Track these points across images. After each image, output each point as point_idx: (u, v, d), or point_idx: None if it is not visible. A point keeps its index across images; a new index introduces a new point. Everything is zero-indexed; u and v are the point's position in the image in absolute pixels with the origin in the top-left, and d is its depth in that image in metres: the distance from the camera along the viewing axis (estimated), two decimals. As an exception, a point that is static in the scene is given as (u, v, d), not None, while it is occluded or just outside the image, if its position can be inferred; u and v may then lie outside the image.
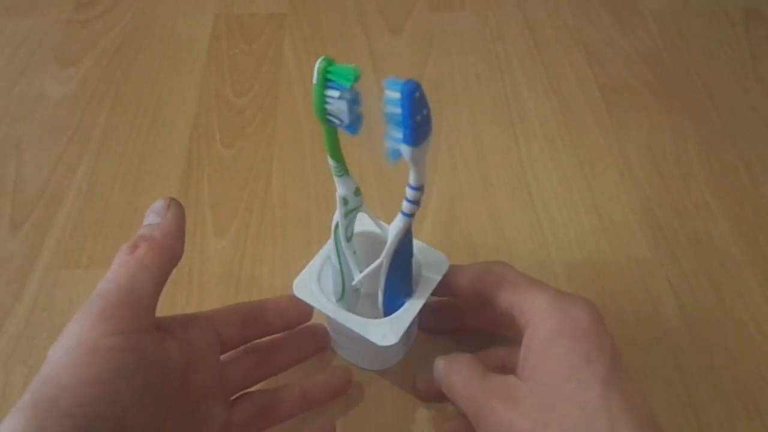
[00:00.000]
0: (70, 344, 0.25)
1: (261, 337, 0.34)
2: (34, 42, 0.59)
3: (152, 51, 0.58)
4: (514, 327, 0.31)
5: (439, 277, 0.34)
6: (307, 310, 0.35)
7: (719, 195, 0.47)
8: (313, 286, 0.34)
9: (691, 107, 0.53)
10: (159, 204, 0.29)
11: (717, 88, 0.54)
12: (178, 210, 0.29)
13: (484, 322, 0.37)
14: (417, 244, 0.35)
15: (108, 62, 0.57)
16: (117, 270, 0.27)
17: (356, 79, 0.25)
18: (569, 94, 0.54)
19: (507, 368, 0.31)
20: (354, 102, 0.25)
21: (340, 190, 0.30)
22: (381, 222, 0.34)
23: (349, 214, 0.32)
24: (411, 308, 0.33)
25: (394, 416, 0.37)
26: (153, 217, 0.29)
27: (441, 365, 0.32)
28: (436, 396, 0.34)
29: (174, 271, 0.28)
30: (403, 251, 0.31)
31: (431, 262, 0.34)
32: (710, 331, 0.40)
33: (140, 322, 0.26)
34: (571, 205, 0.46)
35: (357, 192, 0.31)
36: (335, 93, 0.25)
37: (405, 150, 0.25)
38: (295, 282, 0.34)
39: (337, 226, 0.32)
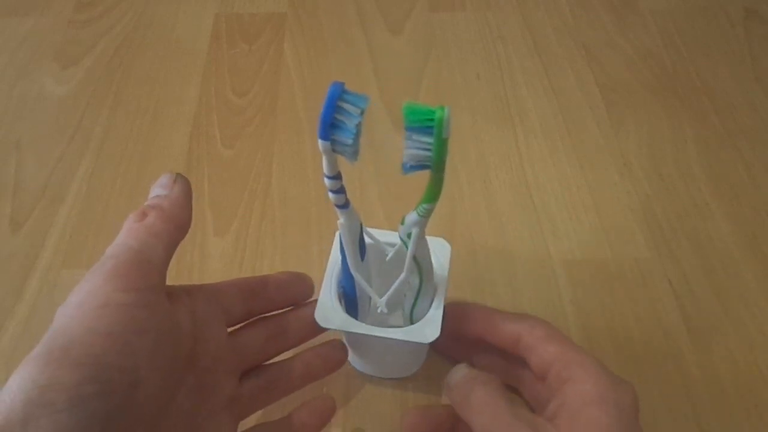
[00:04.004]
0: (80, 300, 0.25)
1: (265, 312, 0.34)
2: (34, 42, 0.59)
3: (152, 51, 0.58)
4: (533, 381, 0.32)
5: (447, 261, 0.34)
6: (309, 285, 0.35)
7: (719, 195, 0.47)
8: (337, 310, 0.33)
9: (690, 107, 0.53)
10: (165, 178, 0.29)
11: (717, 88, 0.54)
12: (184, 183, 0.30)
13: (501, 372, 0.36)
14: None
15: (108, 62, 0.57)
16: (127, 234, 0.27)
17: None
18: (569, 94, 0.54)
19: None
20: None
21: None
22: (371, 230, 0.34)
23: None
24: (437, 303, 0.33)
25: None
26: (159, 189, 0.29)
27: (464, 371, 0.31)
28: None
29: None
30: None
31: (433, 250, 0.34)
32: (710, 331, 0.40)
33: (151, 281, 0.26)
34: (571, 205, 0.46)
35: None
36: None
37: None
38: (317, 314, 0.33)
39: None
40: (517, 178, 0.48)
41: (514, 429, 0.27)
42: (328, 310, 0.33)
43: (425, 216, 0.29)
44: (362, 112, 0.25)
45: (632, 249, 0.44)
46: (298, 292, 0.35)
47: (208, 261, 0.44)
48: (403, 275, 0.32)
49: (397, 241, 0.33)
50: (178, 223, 0.28)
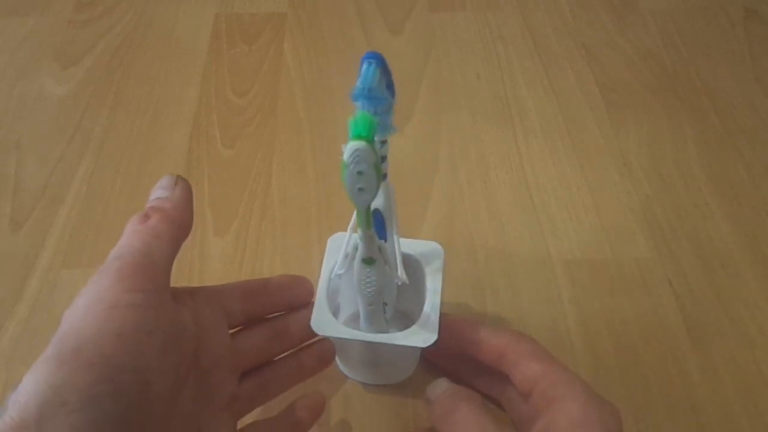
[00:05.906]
0: (87, 302, 0.25)
1: (265, 314, 0.34)
2: (34, 42, 0.59)
3: (152, 51, 0.58)
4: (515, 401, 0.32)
5: (440, 265, 0.34)
6: (308, 288, 0.35)
7: (719, 195, 0.47)
8: (332, 320, 0.34)
9: (690, 107, 0.53)
10: (166, 180, 0.30)
11: (717, 88, 0.54)
12: (185, 184, 0.30)
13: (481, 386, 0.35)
14: (405, 241, 0.35)
15: (108, 62, 0.57)
16: (130, 236, 0.27)
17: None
18: (569, 94, 0.54)
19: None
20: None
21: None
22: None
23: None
24: (433, 306, 0.33)
25: (403, 426, 0.37)
26: (161, 191, 0.29)
27: (445, 386, 0.31)
28: None
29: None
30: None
31: (427, 254, 0.34)
32: (710, 331, 0.40)
33: (157, 282, 0.27)
34: (571, 205, 0.46)
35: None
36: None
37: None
38: (312, 323, 0.33)
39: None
40: (517, 178, 0.48)
41: None
42: (324, 320, 0.33)
43: (362, 241, 0.29)
44: (378, 111, 0.25)
45: (632, 249, 0.44)
46: (297, 294, 0.35)
47: (208, 261, 0.44)
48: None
49: (411, 252, 0.33)
50: (180, 225, 0.29)
